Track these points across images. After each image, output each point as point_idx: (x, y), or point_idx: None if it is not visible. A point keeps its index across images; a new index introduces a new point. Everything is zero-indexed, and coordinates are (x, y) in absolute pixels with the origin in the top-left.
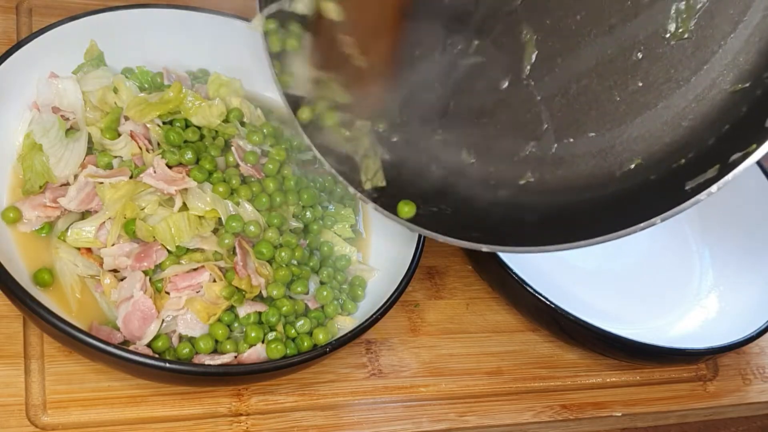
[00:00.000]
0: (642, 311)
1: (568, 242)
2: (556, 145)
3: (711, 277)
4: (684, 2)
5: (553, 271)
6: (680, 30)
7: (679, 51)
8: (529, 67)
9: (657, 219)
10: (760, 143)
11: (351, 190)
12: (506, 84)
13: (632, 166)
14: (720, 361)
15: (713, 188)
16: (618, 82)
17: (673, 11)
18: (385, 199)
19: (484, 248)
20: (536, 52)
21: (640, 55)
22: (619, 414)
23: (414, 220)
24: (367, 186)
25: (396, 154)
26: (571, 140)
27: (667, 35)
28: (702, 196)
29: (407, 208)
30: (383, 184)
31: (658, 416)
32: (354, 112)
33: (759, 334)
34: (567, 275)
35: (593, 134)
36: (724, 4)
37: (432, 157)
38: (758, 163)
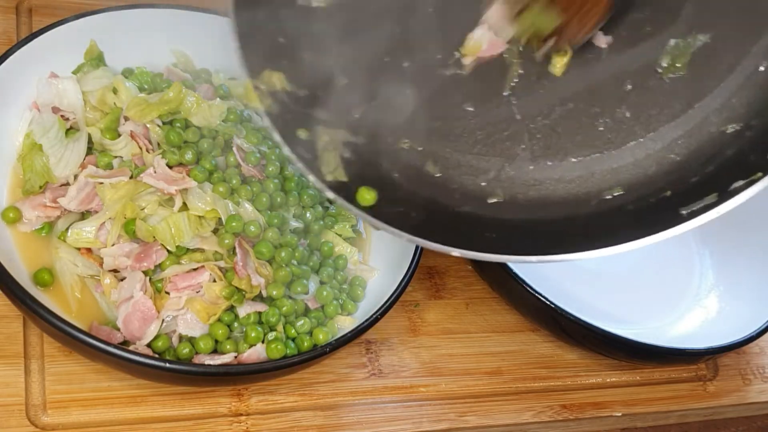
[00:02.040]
0: (642, 311)
1: (543, 254)
2: (532, 167)
3: (711, 277)
4: (682, 40)
5: (553, 271)
6: (675, 65)
7: (671, 86)
8: (512, 84)
9: (648, 239)
10: (766, 171)
11: (311, 178)
12: (486, 99)
13: (612, 194)
14: (720, 361)
15: (713, 213)
16: (605, 110)
17: (669, 47)
18: (345, 192)
19: (454, 252)
20: (521, 71)
21: (630, 86)
22: (619, 414)
23: (378, 216)
24: (329, 178)
25: (357, 155)
26: (549, 164)
27: (660, 69)
28: (700, 220)
29: (368, 195)
30: (344, 179)
31: (658, 416)
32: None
33: (759, 334)
34: (567, 275)
35: (574, 159)
36: (722, 47)
37: (395, 164)
38: None
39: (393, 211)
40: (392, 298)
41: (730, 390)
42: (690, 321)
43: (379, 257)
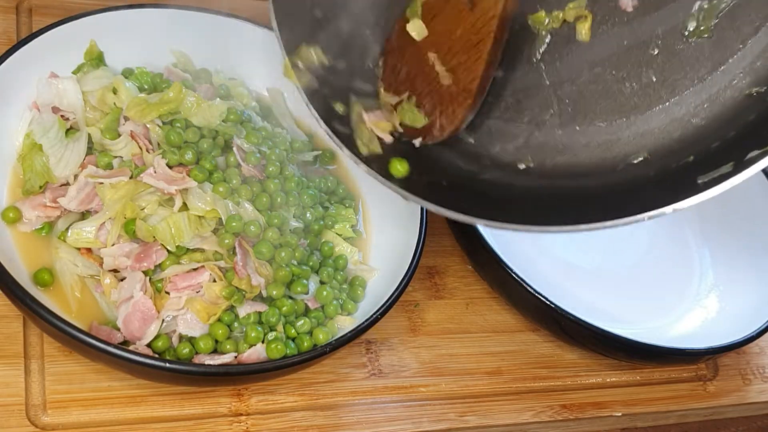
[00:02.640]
0: (642, 311)
1: (566, 224)
2: (560, 132)
3: (711, 277)
4: (707, 1)
5: (554, 271)
6: (701, 28)
7: (696, 49)
8: (541, 50)
9: (668, 209)
10: None
11: (346, 152)
12: (515, 66)
13: (638, 159)
14: (720, 361)
15: (728, 183)
16: (631, 74)
17: (695, 9)
18: (378, 166)
19: (480, 222)
20: (549, 37)
21: (656, 50)
22: (619, 414)
23: (407, 188)
24: (363, 151)
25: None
26: (577, 128)
27: (687, 33)
28: (716, 190)
29: (400, 166)
30: (379, 150)
31: (658, 416)
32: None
33: (759, 334)
34: (567, 275)
35: (602, 124)
36: (747, 8)
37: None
38: None
39: (423, 181)
40: (392, 298)
41: (730, 390)
42: (690, 321)
43: (379, 257)
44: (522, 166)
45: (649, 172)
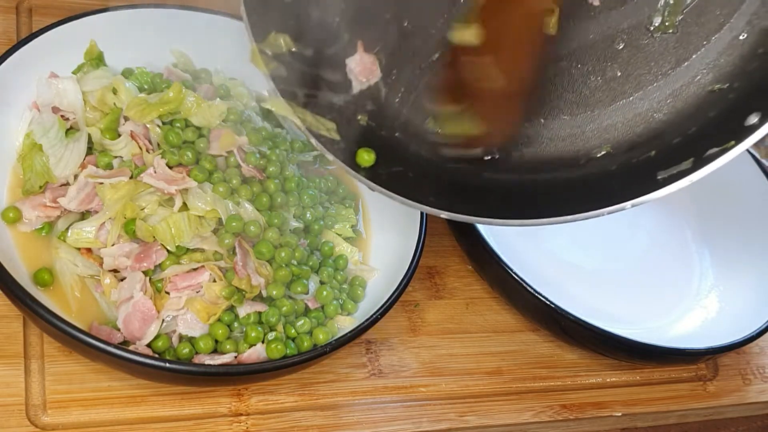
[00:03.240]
0: (642, 311)
1: (530, 218)
2: (525, 124)
3: (711, 277)
4: None
5: (554, 272)
6: (666, 24)
7: (661, 44)
8: None
9: (627, 204)
10: (738, 140)
11: (312, 140)
12: None
13: (601, 153)
14: (720, 361)
15: (686, 181)
16: (596, 68)
17: (660, 4)
18: (345, 155)
19: (443, 215)
20: None
21: (622, 44)
22: (619, 414)
23: (373, 178)
24: (324, 133)
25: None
26: (542, 121)
27: (652, 27)
28: (673, 187)
29: (367, 156)
30: (337, 137)
31: (658, 416)
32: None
33: (759, 334)
34: (567, 275)
35: (566, 117)
36: (711, 4)
37: (396, 122)
38: (758, 163)
39: (390, 171)
40: (392, 298)
41: (730, 390)
42: (690, 321)
43: (379, 257)
44: (487, 157)
45: (611, 166)
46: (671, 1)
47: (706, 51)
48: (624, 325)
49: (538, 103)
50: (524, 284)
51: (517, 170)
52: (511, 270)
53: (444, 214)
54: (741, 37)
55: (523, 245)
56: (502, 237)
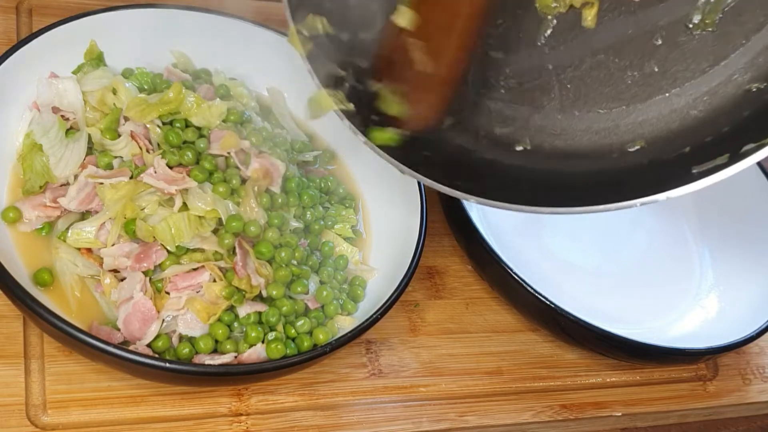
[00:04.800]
0: (642, 311)
1: (558, 206)
2: (560, 117)
3: (711, 277)
4: None
5: (554, 272)
6: (705, 22)
7: (699, 42)
8: (546, 34)
9: (660, 196)
10: None
11: (345, 120)
12: (518, 48)
13: (635, 147)
14: (720, 361)
15: (722, 174)
16: (634, 63)
17: (701, 2)
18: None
19: (472, 199)
20: (555, 21)
21: (660, 41)
22: (619, 414)
23: (402, 160)
24: (340, 107)
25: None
26: (576, 113)
27: (691, 25)
28: (709, 180)
29: (388, 135)
30: (351, 107)
31: (658, 416)
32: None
33: (759, 334)
34: (567, 275)
35: (601, 111)
36: (752, 4)
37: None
38: (758, 163)
39: (419, 155)
40: (392, 298)
41: (730, 390)
42: (690, 321)
43: (379, 257)
44: (519, 148)
45: (643, 160)
46: (711, 0)
47: (745, 50)
48: (624, 325)
49: (572, 95)
50: (524, 284)
51: (548, 160)
52: (511, 270)
53: (473, 200)
54: None
55: (523, 245)
56: (502, 237)
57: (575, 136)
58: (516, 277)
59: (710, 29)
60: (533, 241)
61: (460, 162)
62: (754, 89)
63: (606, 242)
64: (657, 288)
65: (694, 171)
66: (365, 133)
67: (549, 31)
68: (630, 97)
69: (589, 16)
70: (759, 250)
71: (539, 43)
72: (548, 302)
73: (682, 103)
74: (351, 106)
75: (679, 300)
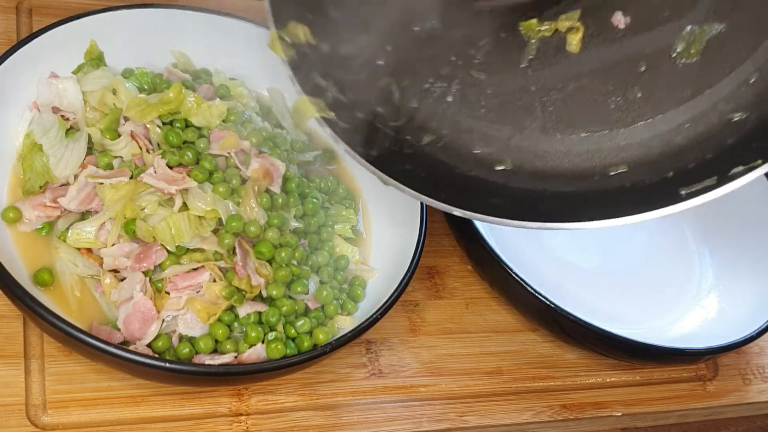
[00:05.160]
0: (642, 311)
1: (550, 221)
2: (542, 138)
3: (711, 277)
4: (698, 26)
5: (554, 272)
6: (690, 51)
7: (684, 71)
8: (530, 57)
9: (645, 216)
10: (766, 159)
11: (327, 130)
12: (501, 70)
13: (617, 171)
14: (720, 361)
15: (711, 195)
16: (617, 88)
17: (685, 32)
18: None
19: (456, 212)
20: (539, 44)
21: (644, 67)
22: (619, 414)
23: (387, 171)
24: (322, 114)
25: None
26: (559, 136)
27: (675, 54)
28: (697, 201)
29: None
30: (332, 115)
31: (658, 416)
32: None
33: (759, 334)
34: (567, 275)
35: (584, 134)
36: (736, 36)
37: (409, 123)
38: None
39: (401, 168)
40: (392, 298)
41: (730, 390)
42: (690, 321)
43: (379, 257)
44: (500, 168)
45: (626, 183)
46: (696, 30)
47: (728, 81)
48: (624, 325)
49: (555, 117)
50: (524, 284)
51: (530, 180)
52: (511, 270)
53: (457, 212)
54: (764, 70)
55: (523, 245)
56: (502, 237)
57: (557, 158)
58: (516, 277)
59: (694, 58)
60: (533, 241)
61: (443, 176)
62: (737, 118)
63: (606, 242)
64: (657, 288)
65: (682, 192)
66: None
67: (532, 54)
68: (613, 121)
69: (574, 41)
70: (759, 250)
71: (522, 65)
72: (548, 302)
73: (665, 128)
74: (332, 115)
75: (679, 300)
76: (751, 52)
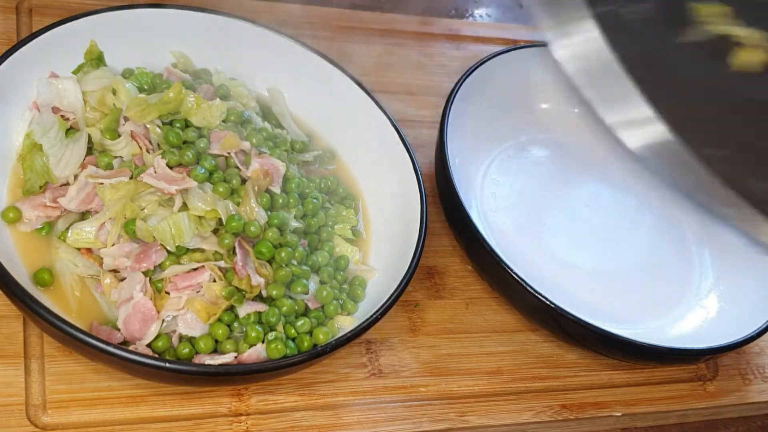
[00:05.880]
0: (642, 311)
1: None
2: None
3: (711, 277)
4: None
5: (554, 272)
6: None
7: None
8: None
9: None
10: None
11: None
12: None
13: None
14: (720, 361)
15: None
16: None
17: None
18: None
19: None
20: None
21: None
22: (619, 414)
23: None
24: None
25: None
26: None
27: None
28: None
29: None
30: None
31: (658, 416)
32: None
33: (759, 334)
34: (567, 275)
35: None
36: None
37: None
38: None
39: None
40: (392, 298)
41: (730, 390)
42: (690, 321)
43: (379, 257)
44: None
45: None
46: None
47: None
48: (624, 325)
49: None
50: (524, 284)
51: None
52: (511, 270)
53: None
54: None
55: (523, 245)
56: (502, 237)
57: None
58: (516, 277)
59: None
60: (533, 241)
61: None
62: None
63: (606, 242)
64: (657, 288)
65: None
66: None
67: None
68: None
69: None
70: (759, 250)
71: None
72: (548, 302)
73: None
74: None
75: (679, 300)
76: None
